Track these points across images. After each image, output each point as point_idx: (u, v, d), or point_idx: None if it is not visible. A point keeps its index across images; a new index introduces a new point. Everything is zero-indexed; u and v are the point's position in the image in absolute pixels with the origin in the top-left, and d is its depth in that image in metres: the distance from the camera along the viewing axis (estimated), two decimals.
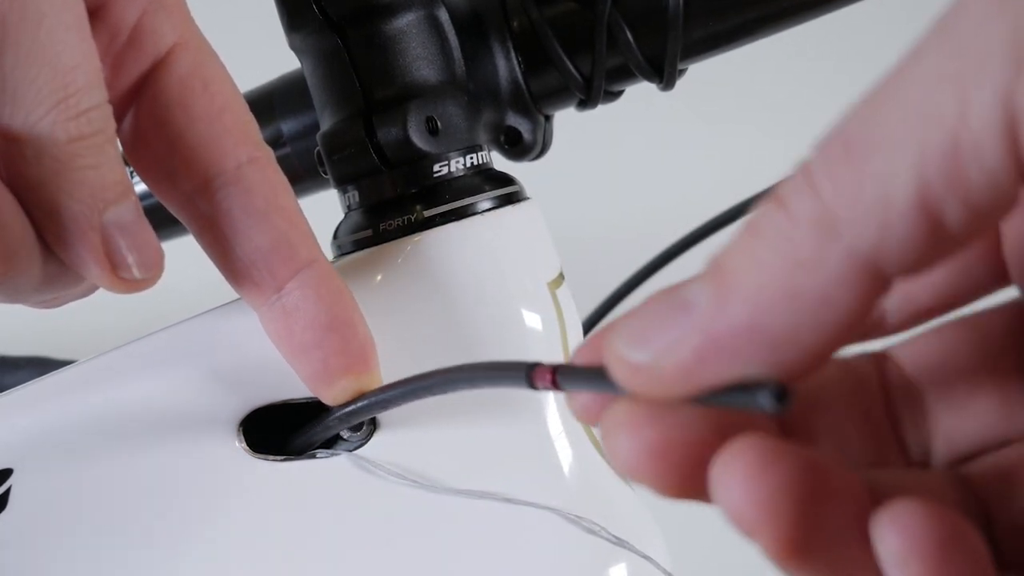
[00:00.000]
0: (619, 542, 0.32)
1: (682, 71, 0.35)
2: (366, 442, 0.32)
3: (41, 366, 0.54)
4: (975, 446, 0.21)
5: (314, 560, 0.32)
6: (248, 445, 0.32)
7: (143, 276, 0.27)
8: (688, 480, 0.18)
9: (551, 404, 0.33)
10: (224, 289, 0.32)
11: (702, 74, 0.37)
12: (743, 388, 0.17)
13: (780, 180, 0.18)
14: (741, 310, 0.17)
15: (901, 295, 0.22)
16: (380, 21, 0.32)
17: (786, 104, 0.86)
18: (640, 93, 0.37)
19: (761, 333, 0.17)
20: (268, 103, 0.41)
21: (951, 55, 0.15)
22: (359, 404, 0.31)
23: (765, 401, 0.17)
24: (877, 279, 0.16)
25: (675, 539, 0.35)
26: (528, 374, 0.23)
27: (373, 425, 0.32)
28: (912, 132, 0.16)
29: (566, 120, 0.38)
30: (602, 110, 0.37)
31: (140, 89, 0.29)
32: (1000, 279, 0.21)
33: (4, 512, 0.33)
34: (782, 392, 0.17)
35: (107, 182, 0.26)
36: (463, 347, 0.32)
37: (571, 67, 0.35)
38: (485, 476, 0.32)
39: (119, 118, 0.29)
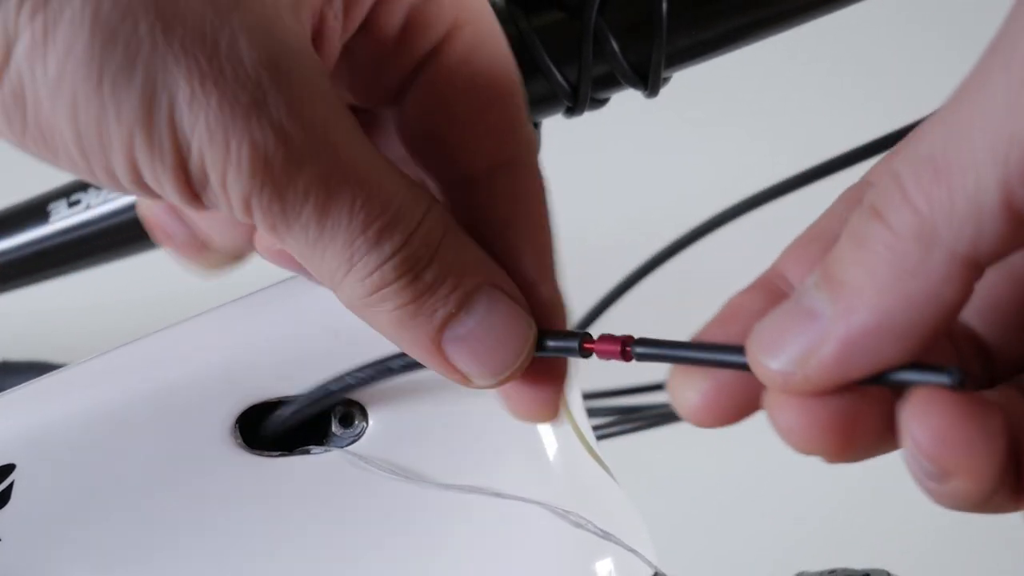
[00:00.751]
0: (605, 535, 0.33)
1: (667, 79, 0.36)
2: (359, 439, 0.33)
3: (42, 370, 0.54)
4: None
5: (308, 555, 0.33)
6: (244, 441, 0.33)
7: (489, 383, 0.26)
8: (857, 446, 0.21)
9: None
10: (224, 289, 0.32)
11: (690, 79, 0.38)
12: (920, 369, 0.20)
13: (872, 194, 0.20)
14: (867, 316, 0.20)
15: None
16: None
17: (774, 108, 0.87)
18: (628, 99, 0.38)
19: (887, 332, 0.20)
20: None
21: (1019, 80, 0.18)
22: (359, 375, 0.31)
23: (951, 380, 0.20)
24: (974, 270, 0.19)
25: (660, 532, 0.36)
26: (581, 344, 0.25)
27: (365, 422, 0.33)
28: (997, 153, 0.18)
29: (554, 126, 0.39)
30: (589, 116, 0.37)
31: (413, 76, 0.27)
32: None
33: (6, 507, 0.34)
34: (965, 375, 0.20)
35: (431, 309, 0.25)
36: None
37: (558, 75, 0.35)
38: (474, 471, 0.33)
39: (391, 101, 0.28)
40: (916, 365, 0.20)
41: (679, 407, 0.23)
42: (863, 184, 0.24)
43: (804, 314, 0.21)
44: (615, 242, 0.63)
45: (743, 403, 0.23)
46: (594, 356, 0.25)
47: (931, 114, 0.20)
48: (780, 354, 0.21)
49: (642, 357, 0.24)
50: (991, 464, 0.19)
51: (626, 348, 0.24)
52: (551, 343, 0.26)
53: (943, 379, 0.20)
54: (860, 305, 0.20)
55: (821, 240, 0.24)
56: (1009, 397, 0.22)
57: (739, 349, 0.22)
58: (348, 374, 0.31)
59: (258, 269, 0.45)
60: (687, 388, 0.23)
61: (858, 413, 0.21)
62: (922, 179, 0.19)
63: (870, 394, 0.21)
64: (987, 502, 0.20)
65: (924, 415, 0.20)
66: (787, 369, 0.21)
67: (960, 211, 0.19)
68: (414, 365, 0.29)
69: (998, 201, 0.18)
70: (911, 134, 0.20)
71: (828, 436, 0.21)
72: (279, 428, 0.33)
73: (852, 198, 0.24)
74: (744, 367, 0.22)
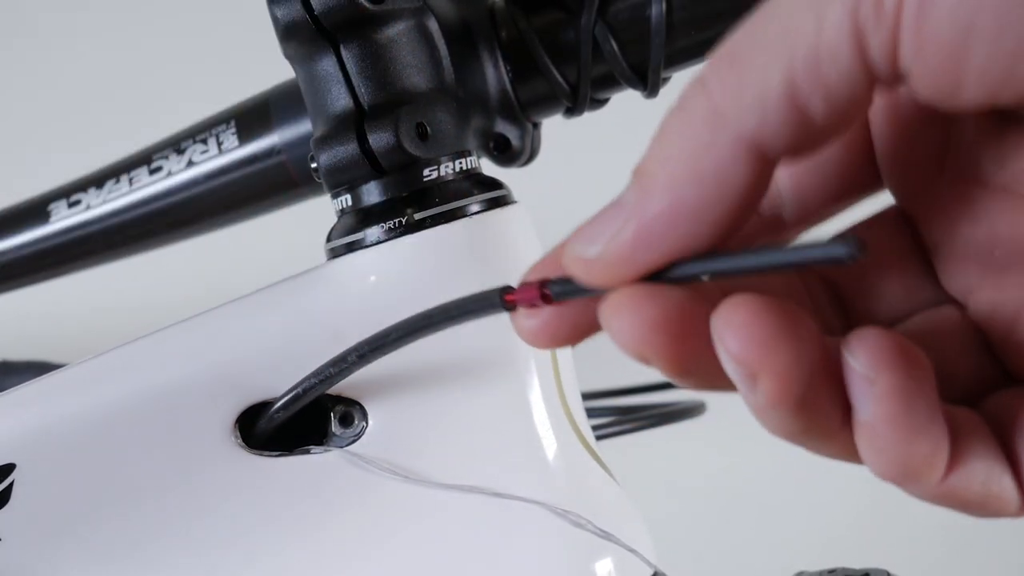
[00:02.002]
0: (605, 535, 0.33)
1: (666, 79, 0.36)
2: (359, 438, 0.33)
3: (41, 370, 0.54)
4: (889, 322, 0.25)
5: (308, 555, 0.33)
6: (244, 441, 0.33)
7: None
8: (688, 351, 0.21)
9: (539, 401, 0.34)
10: (222, 289, 0.32)
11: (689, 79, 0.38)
12: (815, 247, 0.20)
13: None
14: (660, 197, 0.21)
15: (794, 196, 0.26)
16: (371, 30, 0.33)
17: None
18: (627, 99, 0.38)
19: (678, 213, 0.21)
20: (264, 111, 0.41)
21: None
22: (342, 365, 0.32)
23: (845, 251, 0.19)
24: (761, 158, 0.20)
25: (660, 532, 0.36)
26: (502, 297, 0.25)
27: (365, 422, 0.33)
28: (782, 44, 0.20)
29: (553, 126, 0.39)
30: (589, 116, 0.38)
31: None
32: (875, 182, 0.25)
33: (6, 507, 0.34)
34: (862, 244, 0.19)
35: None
36: (455, 345, 0.33)
37: (558, 76, 0.36)
38: (474, 471, 0.33)
39: None
40: (813, 244, 0.20)
41: (519, 330, 0.24)
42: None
43: (614, 205, 0.22)
44: None
45: (582, 322, 0.23)
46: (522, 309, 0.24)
47: None
48: (592, 243, 0.22)
49: (561, 296, 0.23)
50: (796, 366, 0.20)
51: (544, 291, 0.24)
52: (472, 306, 0.26)
53: (839, 251, 0.19)
54: (654, 189, 0.21)
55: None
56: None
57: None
58: (328, 364, 0.31)
59: (258, 269, 0.45)
60: (526, 316, 0.24)
61: (686, 313, 0.21)
62: (719, 69, 0.20)
63: (702, 295, 0.21)
64: (803, 418, 0.21)
65: (731, 314, 0.20)
66: (593, 256, 0.22)
67: (747, 98, 0.20)
68: (383, 348, 0.30)
69: (782, 93, 0.20)
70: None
71: (656, 337, 0.21)
72: (270, 426, 0.33)
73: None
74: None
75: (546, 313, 0.24)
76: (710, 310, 0.21)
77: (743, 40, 0.20)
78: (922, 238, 0.25)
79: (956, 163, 0.24)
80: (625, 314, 0.21)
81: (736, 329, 0.20)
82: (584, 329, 0.24)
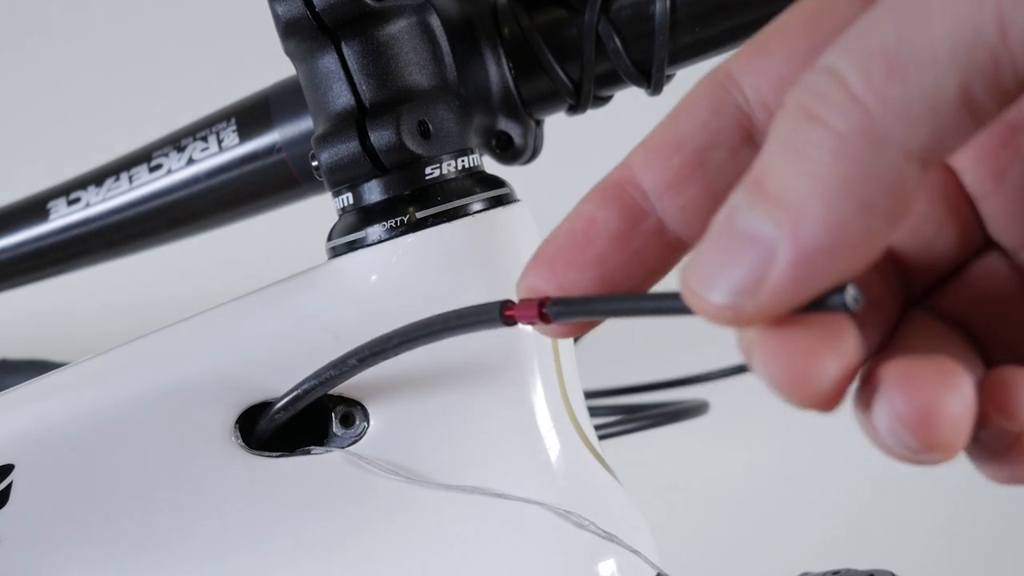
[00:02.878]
0: (608, 536, 0.32)
1: (670, 76, 0.36)
2: (360, 439, 0.33)
3: (41, 369, 0.54)
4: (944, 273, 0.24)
5: (308, 555, 0.33)
6: (244, 442, 0.33)
7: None
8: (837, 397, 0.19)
9: (541, 400, 0.33)
10: (222, 289, 0.32)
11: (694, 77, 0.38)
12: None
13: (798, 92, 0.19)
14: (819, 232, 0.18)
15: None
16: (373, 27, 0.33)
17: None
18: (631, 97, 0.37)
19: (843, 247, 0.18)
20: (265, 108, 0.41)
21: None
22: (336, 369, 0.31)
23: (848, 303, 0.19)
24: (929, 169, 0.18)
25: (663, 533, 0.36)
26: (502, 312, 0.24)
27: (366, 422, 0.33)
28: (959, 50, 0.17)
29: (556, 124, 0.39)
30: (592, 114, 0.37)
31: None
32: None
33: (5, 507, 0.34)
34: (859, 293, 0.19)
35: None
36: (457, 346, 0.33)
37: (561, 73, 0.35)
38: (476, 472, 0.33)
39: None
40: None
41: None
42: (725, 81, 0.22)
43: (743, 239, 0.19)
44: None
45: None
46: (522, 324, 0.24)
47: (874, 5, 0.18)
48: (722, 285, 0.19)
49: (560, 316, 0.23)
50: (964, 434, 0.19)
51: (543, 310, 0.23)
52: (472, 318, 0.26)
53: (837, 300, 0.19)
54: (809, 221, 0.18)
55: (679, 145, 0.22)
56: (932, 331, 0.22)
57: (673, 296, 0.20)
58: (329, 366, 0.31)
59: (257, 269, 0.45)
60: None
61: (857, 366, 0.19)
62: (872, 76, 0.18)
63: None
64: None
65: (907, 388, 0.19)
66: (733, 302, 0.19)
67: (916, 111, 0.17)
68: (383, 353, 0.29)
69: (956, 100, 0.17)
70: (849, 29, 0.18)
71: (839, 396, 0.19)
72: (270, 426, 0.33)
73: (714, 98, 0.22)
74: (681, 310, 0.20)
75: (539, 270, 0.23)
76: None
77: (900, 33, 0.18)
78: (967, 186, 0.24)
79: None
80: (775, 356, 0.19)
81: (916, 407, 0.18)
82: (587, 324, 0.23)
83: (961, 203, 0.24)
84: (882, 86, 0.18)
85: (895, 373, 0.19)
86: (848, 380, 0.19)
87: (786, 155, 0.18)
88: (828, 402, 0.19)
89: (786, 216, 0.18)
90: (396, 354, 0.30)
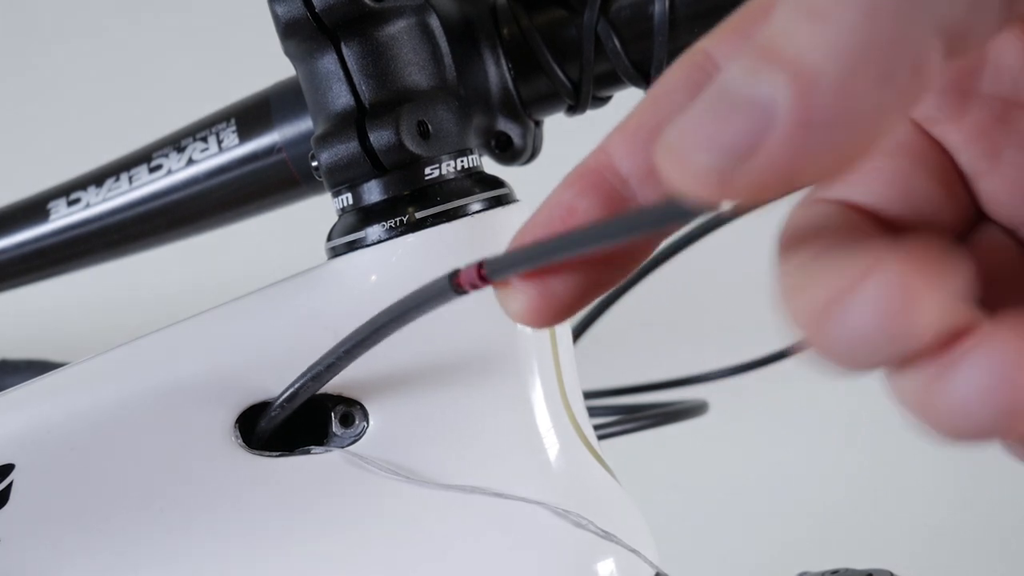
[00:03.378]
0: (607, 536, 0.32)
1: None
2: (359, 439, 0.33)
3: (41, 369, 0.54)
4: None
5: (308, 555, 0.33)
6: (244, 441, 0.33)
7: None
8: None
9: (541, 400, 0.33)
10: (222, 289, 0.32)
11: None
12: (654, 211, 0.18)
13: None
14: (828, 95, 0.16)
15: None
16: (373, 28, 0.33)
17: None
18: (630, 97, 0.38)
19: (851, 118, 0.16)
20: (265, 109, 0.41)
21: None
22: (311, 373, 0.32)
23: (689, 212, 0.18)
24: (949, 53, 0.17)
25: (662, 532, 0.36)
26: (452, 281, 0.24)
27: (366, 422, 0.33)
28: None
29: (555, 125, 0.39)
30: (591, 114, 0.37)
31: None
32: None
33: (5, 507, 0.34)
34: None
35: None
36: (456, 345, 0.33)
37: (560, 73, 0.35)
38: (475, 471, 0.33)
39: None
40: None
41: (508, 314, 0.22)
42: (703, 62, 0.21)
43: (739, 102, 0.17)
44: None
45: (567, 295, 0.21)
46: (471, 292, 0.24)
47: None
48: (710, 146, 0.17)
49: (495, 275, 0.22)
50: None
51: (480, 271, 0.23)
52: (427, 293, 0.25)
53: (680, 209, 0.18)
54: (821, 83, 0.16)
55: (657, 129, 0.20)
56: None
57: (614, 221, 0.20)
58: (318, 362, 0.31)
59: (257, 269, 0.45)
60: (511, 299, 0.22)
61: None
62: None
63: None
64: None
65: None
66: (720, 165, 0.17)
67: None
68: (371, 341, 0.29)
69: None
70: None
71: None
72: (268, 426, 0.33)
73: (692, 79, 0.21)
74: (622, 231, 0.19)
75: (528, 291, 0.22)
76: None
77: None
78: (962, 166, 0.23)
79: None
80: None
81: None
82: (570, 302, 0.22)
83: (956, 183, 0.23)
84: None
85: (1000, 336, 0.17)
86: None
87: (802, 17, 0.17)
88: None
89: (795, 77, 0.16)
90: (376, 342, 0.30)
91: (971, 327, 0.17)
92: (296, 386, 0.32)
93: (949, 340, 0.17)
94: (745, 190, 0.17)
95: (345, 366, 0.31)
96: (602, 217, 0.21)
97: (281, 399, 0.32)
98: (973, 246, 0.23)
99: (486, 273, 0.23)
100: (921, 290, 0.17)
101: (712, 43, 0.21)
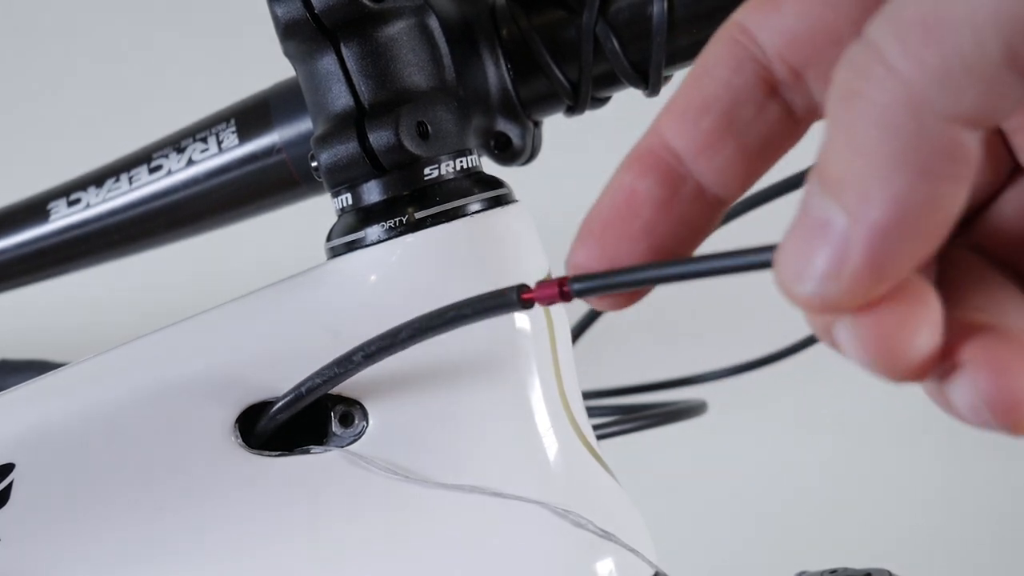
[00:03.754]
0: (606, 535, 0.33)
1: (668, 78, 0.36)
2: (359, 438, 0.33)
3: (41, 369, 0.55)
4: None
5: (308, 553, 0.33)
6: (244, 441, 0.33)
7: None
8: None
9: (540, 400, 0.33)
10: (222, 289, 0.32)
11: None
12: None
13: (842, 68, 0.18)
14: (883, 208, 0.18)
15: None
16: (372, 29, 0.33)
17: None
18: (629, 98, 0.38)
19: (912, 218, 0.18)
20: (265, 109, 0.41)
21: None
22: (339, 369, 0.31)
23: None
24: (980, 131, 0.18)
25: (661, 532, 0.36)
26: (519, 296, 0.25)
27: (365, 421, 0.33)
28: (1001, 13, 0.17)
29: (554, 125, 0.39)
30: (590, 115, 0.37)
31: None
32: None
33: (5, 507, 0.34)
34: None
35: None
36: (456, 345, 0.33)
37: (559, 74, 0.35)
38: (474, 471, 0.33)
39: None
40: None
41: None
42: (739, 36, 0.22)
43: (818, 227, 0.18)
44: None
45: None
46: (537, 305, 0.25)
47: None
48: (807, 276, 0.19)
49: (582, 293, 0.23)
50: None
51: (564, 289, 0.23)
52: (487, 303, 0.26)
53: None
54: (872, 199, 0.18)
55: (705, 107, 0.22)
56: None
57: (693, 260, 0.21)
58: (333, 364, 0.31)
59: (257, 269, 0.45)
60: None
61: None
62: (909, 43, 0.17)
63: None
64: None
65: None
66: (819, 291, 0.19)
67: (957, 75, 0.17)
68: (391, 348, 0.29)
69: (1001, 61, 0.17)
70: (882, 8, 0.18)
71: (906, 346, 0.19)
72: (271, 425, 0.33)
73: (732, 54, 0.22)
74: (698, 273, 0.21)
75: (590, 248, 0.23)
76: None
77: (936, 8, 0.17)
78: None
79: None
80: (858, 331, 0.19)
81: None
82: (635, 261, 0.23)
83: (992, 137, 0.23)
84: (919, 53, 0.17)
85: (980, 353, 0.19)
86: (938, 347, 0.19)
87: (839, 136, 0.18)
88: (923, 372, 0.19)
89: (850, 198, 0.18)
90: (405, 347, 0.30)
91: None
92: (308, 385, 0.32)
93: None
94: (845, 303, 0.19)
95: (365, 367, 0.31)
96: (700, 255, 0.22)
97: (288, 398, 0.32)
98: (1005, 206, 0.23)
99: (570, 290, 0.23)
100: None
101: (746, 15, 0.22)
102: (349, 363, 0.31)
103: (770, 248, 0.20)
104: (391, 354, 0.30)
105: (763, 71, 0.22)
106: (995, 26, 0.17)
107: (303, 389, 0.32)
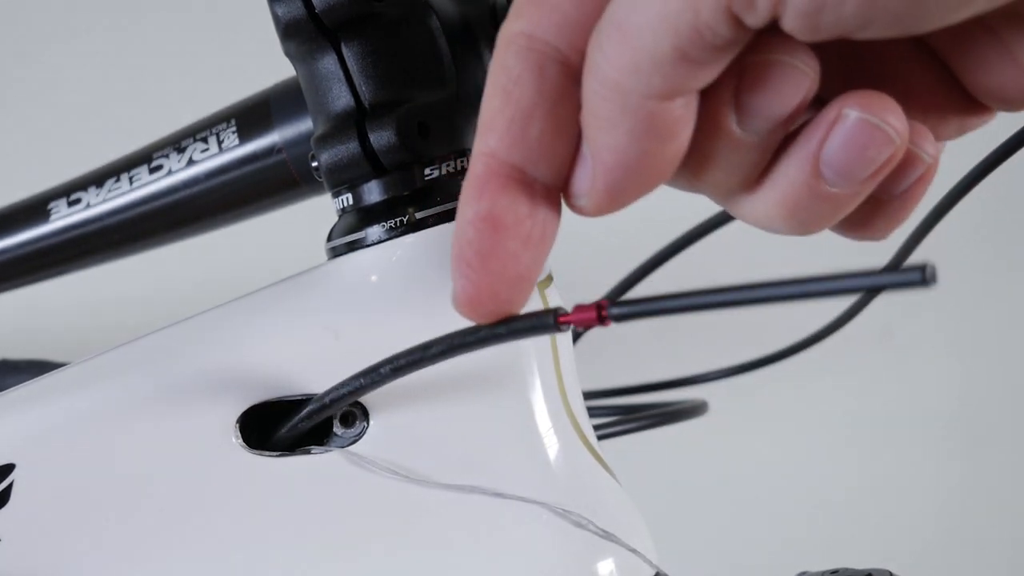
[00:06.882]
0: (607, 535, 0.33)
1: None
2: (359, 439, 0.33)
3: (41, 369, 0.55)
4: None
5: (308, 555, 0.33)
6: (245, 441, 0.33)
7: None
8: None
9: (541, 400, 0.33)
10: (222, 289, 0.32)
11: None
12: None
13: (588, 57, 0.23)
14: (609, 158, 0.24)
15: None
16: (372, 29, 0.33)
17: None
18: None
19: (630, 166, 0.24)
20: (265, 109, 0.41)
21: None
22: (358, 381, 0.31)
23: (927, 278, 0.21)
24: (675, 102, 0.23)
25: (662, 532, 0.36)
26: (555, 319, 0.26)
27: (366, 422, 0.33)
28: (666, 25, 0.22)
29: None
30: None
31: None
32: None
33: (6, 507, 0.34)
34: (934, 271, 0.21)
35: None
36: None
37: None
38: (475, 471, 0.33)
39: None
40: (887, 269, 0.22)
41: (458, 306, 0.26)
42: (529, 45, 0.24)
43: (582, 160, 0.25)
44: (617, 242, 0.63)
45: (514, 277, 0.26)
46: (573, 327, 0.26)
47: None
48: (571, 193, 0.25)
49: (621, 318, 0.24)
50: None
51: (603, 313, 0.24)
52: (522, 324, 0.26)
53: (914, 276, 0.21)
54: (601, 150, 0.24)
55: (529, 116, 0.25)
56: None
57: (711, 291, 0.24)
58: (360, 375, 0.31)
59: (257, 269, 0.45)
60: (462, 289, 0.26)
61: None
62: (612, 41, 0.23)
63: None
64: None
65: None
66: (578, 204, 0.25)
67: (644, 67, 0.22)
68: (420, 363, 0.29)
69: (673, 57, 0.22)
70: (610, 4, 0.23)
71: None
72: (292, 435, 0.33)
73: (531, 64, 0.24)
74: (727, 303, 0.24)
75: (478, 281, 0.25)
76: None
77: (627, 18, 0.22)
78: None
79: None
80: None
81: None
82: (520, 286, 0.26)
83: None
84: (617, 50, 0.23)
85: (853, 97, 0.24)
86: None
87: (584, 106, 0.24)
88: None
89: (591, 146, 0.24)
90: (434, 363, 0.29)
91: None
92: (332, 395, 0.31)
93: None
94: (595, 212, 0.25)
95: (398, 378, 0.31)
96: (733, 285, 0.24)
97: (312, 408, 0.32)
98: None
99: (608, 315, 0.25)
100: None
101: (528, 25, 0.24)
102: (376, 375, 0.30)
103: (774, 283, 0.23)
104: (420, 368, 0.30)
105: (564, 67, 0.24)
106: (664, 33, 0.22)
107: (328, 399, 0.32)
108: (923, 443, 0.85)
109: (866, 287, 0.22)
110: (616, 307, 0.24)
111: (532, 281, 0.26)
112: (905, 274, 0.21)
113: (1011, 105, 0.26)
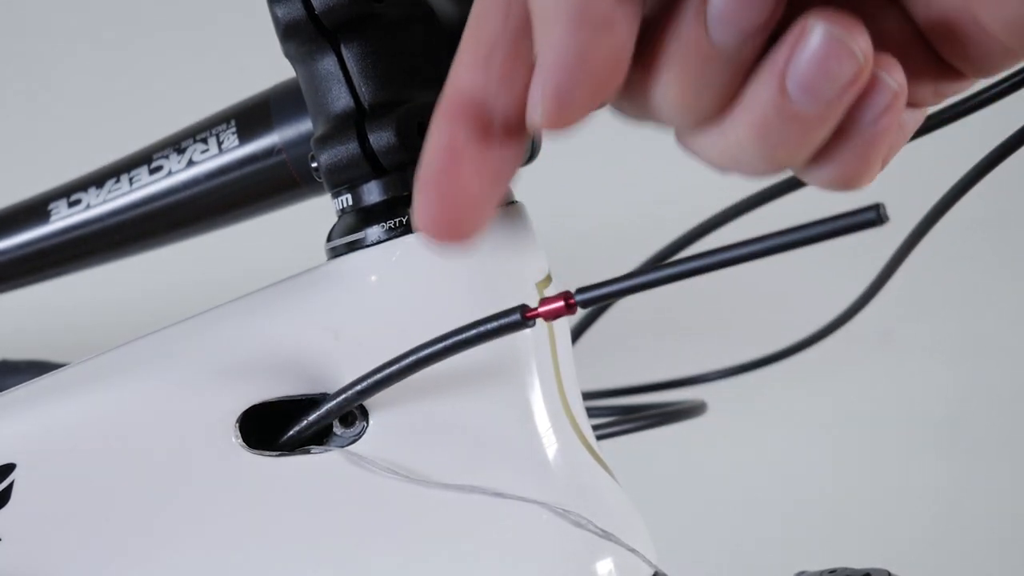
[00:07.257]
0: (606, 535, 0.33)
1: None
2: (359, 438, 0.33)
3: (41, 369, 0.55)
4: None
5: (308, 555, 0.33)
6: (245, 441, 0.33)
7: None
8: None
9: (540, 400, 0.34)
10: (222, 289, 0.32)
11: None
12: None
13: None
14: (554, 71, 0.24)
15: None
16: (372, 29, 0.33)
17: None
18: None
19: (577, 71, 0.23)
20: (265, 110, 0.41)
21: None
22: (359, 386, 0.31)
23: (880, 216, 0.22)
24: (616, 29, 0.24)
25: (661, 532, 0.36)
26: (523, 315, 0.26)
27: (365, 421, 0.33)
28: None
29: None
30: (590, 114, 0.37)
31: None
32: None
33: (6, 507, 0.34)
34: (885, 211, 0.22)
35: None
36: None
37: None
38: (474, 471, 0.33)
39: None
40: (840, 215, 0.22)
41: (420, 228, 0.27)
42: None
43: (535, 74, 0.25)
44: (616, 242, 0.63)
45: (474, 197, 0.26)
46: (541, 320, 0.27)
47: None
48: (529, 105, 0.25)
49: (588, 303, 0.25)
50: None
51: (568, 300, 0.25)
52: (489, 324, 0.27)
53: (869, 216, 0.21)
54: (550, 64, 0.24)
55: (493, 46, 0.26)
56: None
57: (674, 263, 0.24)
58: (353, 383, 0.31)
59: (257, 269, 0.45)
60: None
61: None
62: None
63: None
64: None
65: None
66: (531, 119, 0.25)
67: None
68: (392, 379, 0.30)
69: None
70: None
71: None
72: (302, 435, 0.33)
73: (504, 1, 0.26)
74: (683, 274, 0.24)
75: (437, 203, 0.26)
76: None
77: None
78: None
79: None
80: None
81: None
82: (475, 212, 0.26)
83: None
84: None
85: (819, 12, 0.23)
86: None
87: (531, 15, 0.24)
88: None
89: (537, 59, 0.24)
90: (409, 375, 0.30)
91: None
92: (330, 407, 0.32)
93: None
94: (547, 123, 0.24)
95: (384, 389, 0.32)
96: (695, 254, 0.24)
97: (317, 414, 0.33)
98: None
99: (575, 302, 0.25)
100: None
101: None
102: (368, 382, 0.31)
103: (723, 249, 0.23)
104: (396, 381, 0.31)
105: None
106: None
107: (326, 409, 0.32)
108: (922, 443, 0.85)
109: (824, 233, 0.22)
110: (581, 293, 0.24)
111: (487, 209, 0.27)
112: (859, 215, 0.21)
113: (979, 71, 0.26)
